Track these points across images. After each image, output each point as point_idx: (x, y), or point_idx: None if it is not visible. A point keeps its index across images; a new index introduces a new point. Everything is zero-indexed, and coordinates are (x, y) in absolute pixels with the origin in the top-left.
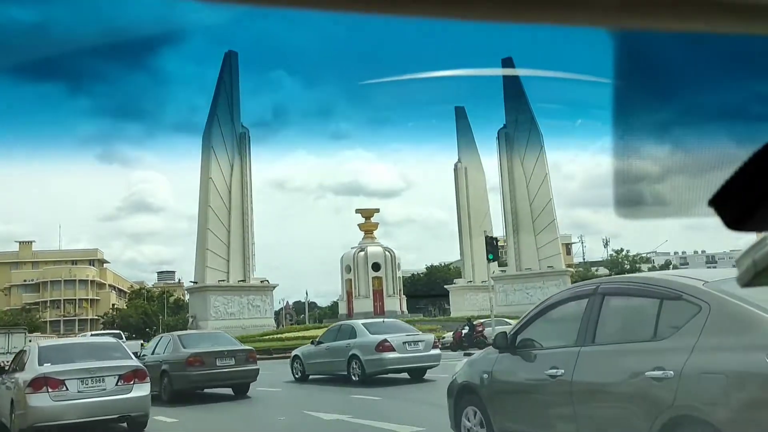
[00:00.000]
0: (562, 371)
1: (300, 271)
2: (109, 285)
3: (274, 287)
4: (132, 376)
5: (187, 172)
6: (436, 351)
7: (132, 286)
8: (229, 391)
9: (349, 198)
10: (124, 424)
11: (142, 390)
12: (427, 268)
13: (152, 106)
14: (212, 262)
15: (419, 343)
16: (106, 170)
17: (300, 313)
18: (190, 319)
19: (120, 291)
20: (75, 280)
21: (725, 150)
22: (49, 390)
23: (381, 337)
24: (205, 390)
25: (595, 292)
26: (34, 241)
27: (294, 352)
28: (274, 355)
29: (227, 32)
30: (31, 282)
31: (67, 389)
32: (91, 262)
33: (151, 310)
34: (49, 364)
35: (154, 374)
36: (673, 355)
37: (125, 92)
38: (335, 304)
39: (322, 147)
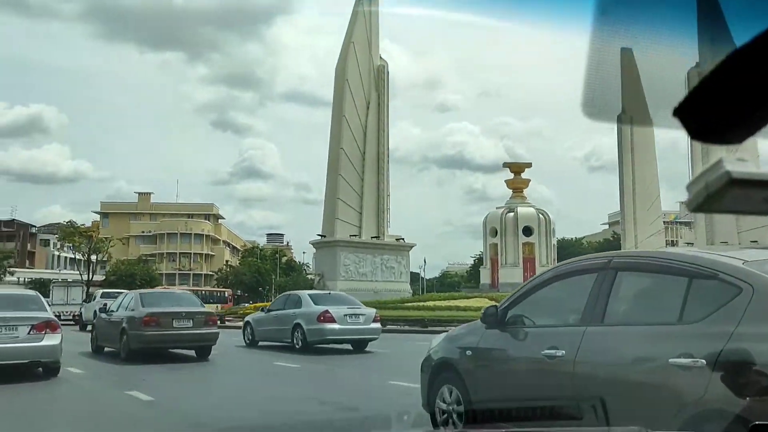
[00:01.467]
0: (563, 352)
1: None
2: (223, 241)
3: (411, 247)
4: (44, 326)
5: (295, 140)
6: (377, 325)
7: (245, 245)
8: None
9: (452, 171)
10: (40, 369)
11: (52, 339)
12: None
13: (265, 75)
14: (343, 214)
15: (360, 316)
16: (221, 137)
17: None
18: (317, 278)
19: (233, 248)
20: (191, 234)
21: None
22: None
23: (323, 308)
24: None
25: (606, 266)
26: (152, 193)
27: (246, 318)
28: (430, 327)
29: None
30: (148, 233)
31: None
32: (207, 217)
33: (264, 269)
34: None
35: (115, 331)
36: (706, 341)
37: (240, 61)
38: (470, 273)
39: (428, 119)
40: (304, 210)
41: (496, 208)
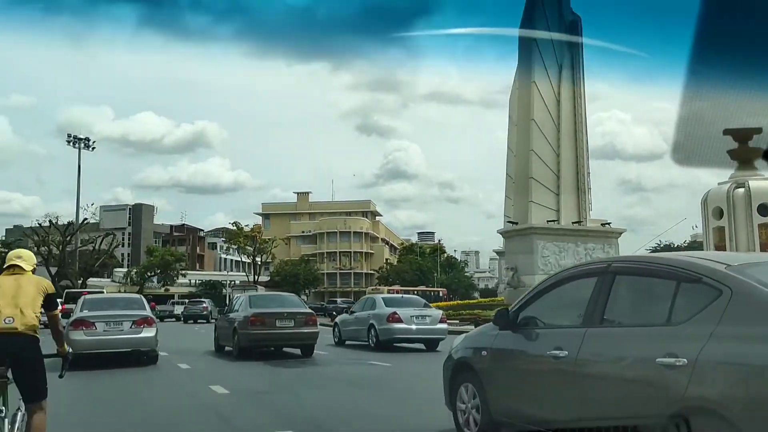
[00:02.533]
0: (566, 352)
1: None
2: (381, 239)
3: (620, 233)
4: (142, 321)
5: (438, 140)
6: (443, 325)
7: (402, 243)
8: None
9: (603, 162)
10: (144, 357)
11: (149, 332)
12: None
13: (406, 77)
14: (538, 196)
15: (427, 317)
16: (365, 141)
17: None
18: (510, 273)
19: (390, 246)
20: (350, 232)
21: None
22: (84, 329)
23: (392, 309)
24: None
25: (606, 270)
26: (310, 192)
27: (335, 320)
28: None
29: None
30: (308, 233)
31: (96, 329)
32: (364, 215)
33: (426, 266)
34: (87, 311)
35: (229, 331)
36: (688, 341)
37: (382, 66)
38: None
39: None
40: (449, 208)
41: (718, 183)
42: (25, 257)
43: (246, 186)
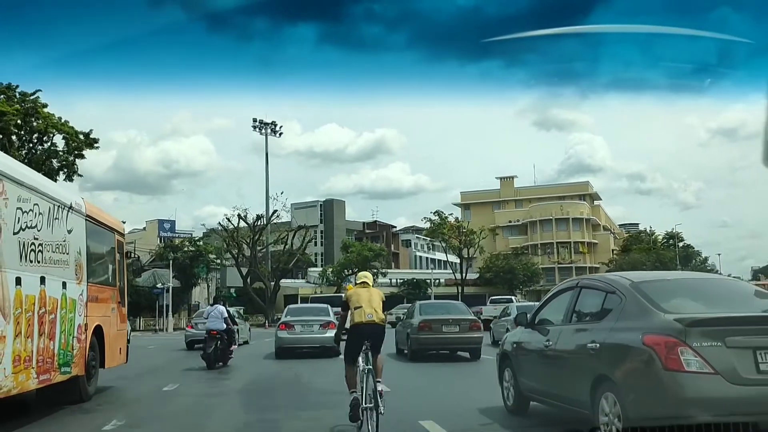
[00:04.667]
0: (551, 343)
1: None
2: (603, 227)
3: None
4: (326, 325)
5: (623, 130)
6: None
7: (622, 232)
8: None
9: None
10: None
11: (330, 333)
12: None
13: (584, 67)
14: None
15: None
16: (545, 136)
17: None
18: None
19: (613, 235)
20: (567, 219)
21: None
22: (287, 329)
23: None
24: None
25: (577, 285)
26: (515, 177)
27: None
28: None
29: None
30: (516, 223)
31: (295, 329)
32: (581, 198)
33: (667, 257)
34: (290, 317)
35: (404, 335)
36: (601, 332)
37: (557, 58)
38: None
39: None
40: (640, 200)
41: None
42: (369, 278)
43: (426, 189)
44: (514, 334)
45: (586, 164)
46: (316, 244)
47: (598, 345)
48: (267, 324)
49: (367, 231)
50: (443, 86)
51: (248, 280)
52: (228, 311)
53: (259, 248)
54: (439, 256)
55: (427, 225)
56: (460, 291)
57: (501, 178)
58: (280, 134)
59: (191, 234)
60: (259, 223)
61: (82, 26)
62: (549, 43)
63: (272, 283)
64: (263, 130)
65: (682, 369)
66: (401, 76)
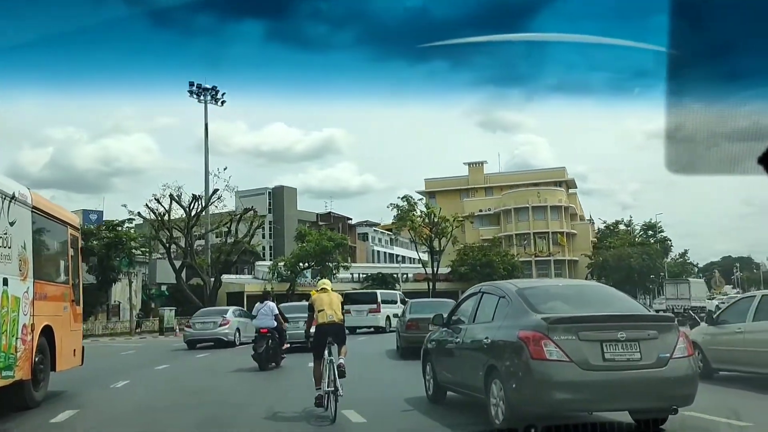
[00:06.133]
0: (459, 340)
1: None
2: (580, 216)
3: None
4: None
5: (566, 133)
6: None
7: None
8: None
9: (712, 148)
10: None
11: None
12: None
13: (529, 70)
14: None
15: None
16: (490, 137)
17: None
18: None
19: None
20: (545, 207)
21: None
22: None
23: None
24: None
25: (479, 290)
26: (485, 162)
27: None
28: None
29: None
30: (488, 212)
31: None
32: (558, 185)
33: (655, 250)
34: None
35: (397, 334)
36: (492, 330)
37: (503, 61)
38: None
39: (718, 92)
40: (583, 200)
41: None
42: (328, 284)
43: (373, 189)
44: (433, 333)
45: (529, 165)
46: (264, 236)
47: (489, 340)
48: None
49: (321, 223)
50: (391, 86)
51: (183, 275)
52: (278, 308)
53: (196, 236)
54: (398, 251)
55: (394, 212)
56: (431, 287)
57: (469, 164)
58: (223, 102)
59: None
60: (196, 206)
61: (17, 20)
62: (495, 45)
63: (212, 279)
64: (202, 97)
65: (545, 358)
66: (349, 75)
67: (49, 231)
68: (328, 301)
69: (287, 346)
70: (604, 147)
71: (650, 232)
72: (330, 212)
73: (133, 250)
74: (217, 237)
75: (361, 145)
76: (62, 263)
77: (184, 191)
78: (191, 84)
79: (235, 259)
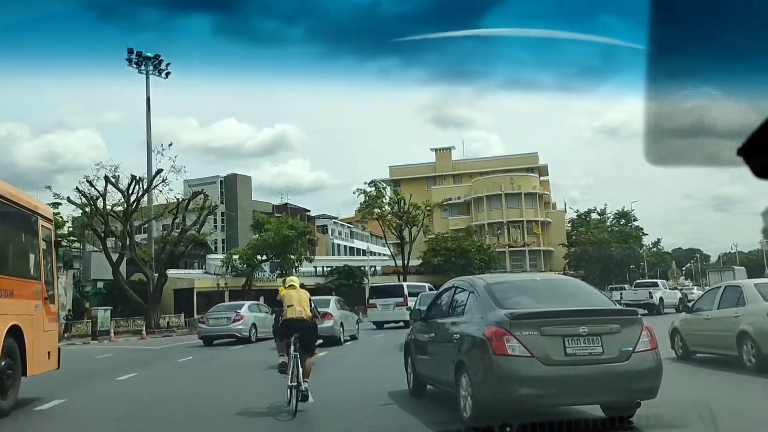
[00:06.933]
0: (434, 334)
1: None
2: (554, 204)
3: None
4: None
5: (516, 129)
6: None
7: (578, 211)
8: None
9: (691, 140)
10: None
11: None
12: None
13: (481, 67)
14: None
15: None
16: (442, 134)
17: None
18: None
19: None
20: (519, 194)
21: (757, 99)
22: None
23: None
24: None
25: (453, 285)
26: (453, 148)
27: None
28: None
29: None
30: (458, 200)
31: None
32: (530, 171)
33: (633, 238)
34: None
35: None
36: (462, 325)
37: (455, 57)
38: None
39: (660, 88)
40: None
41: None
42: (296, 281)
43: (327, 185)
44: (414, 328)
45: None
46: (217, 228)
47: (458, 336)
48: (145, 331)
49: (278, 215)
50: (343, 82)
51: (123, 270)
52: (311, 301)
53: (137, 225)
54: (359, 244)
55: (361, 198)
56: (401, 280)
57: (436, 150)
58: (167, 74)
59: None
60: (137, 190)
61: None
62: (446, 42)
63: (156, 275)
64: (143, 67)
65: (507, 353)
66: (301, 70)
67: (14, 221)
68: (297, 297)
69: (320, 342)
70: (555, 142)
71: (623, 220)
72: (287, 203)
73: (60, 240)
74: (164, 229)
75: (313, 141)
76: (32, 257)
77: (122, 172)
78: (130, 52)
79: (183, 250)
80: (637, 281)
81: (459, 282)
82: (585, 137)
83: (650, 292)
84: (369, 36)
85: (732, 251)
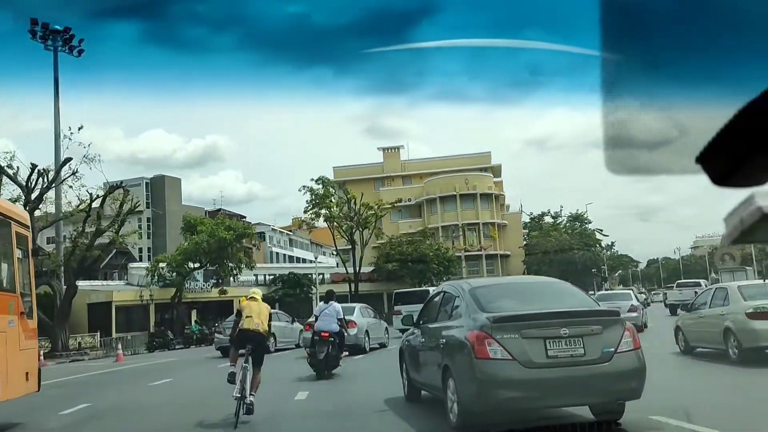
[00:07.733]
0: (424, 339)
1: None
2: (508, 206)
3: None
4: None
5: (447, 140)
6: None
7: (531, 214)
8: None
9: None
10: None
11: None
12: None
13: (412, 78)
14: None
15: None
16: (374, 144)
17: None
18: None
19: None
20: (474, 195)
21: (712, 108)
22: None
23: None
24: None
25: (441, 290)
26: (402, 147)
27: None
28: None
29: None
30: (409, 202)
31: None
32: (483, 172)
33: (596, 242)
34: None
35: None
36: (448, 329)
37: (387, 68)
38: None
39: (587, 101)
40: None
41: None
42: (258, 293)
43: (259, 197)
44: (407, 334)
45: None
46: (141, 237)
47: (444, 340)
48: (44, 357)
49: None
50: (276, 92)
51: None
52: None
53: (41, 226)
54: (298, 252)
55: (307, 196)
56: (352, 288)
57: (384, 149)
58: (80, 51)
59: None
60: (41, 183)
61: None
62: (379, 53)
63: (64, 288)
64: (50, 42)
65: (488, 357)
66: (233, 80)
67: None
68: (257, 310)
69: (346, 353)
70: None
71: (577, 223)
72: (220, 209)
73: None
74: (74, 231)
75: (245, 153)
76: (5, 267)
77: (20, 162)
78: (34, 23)
79: (98, 255)
80: (679, 281)
81: (447, 287)
82: (513, 149)
83: (695, 292)
84: (302, 46)
85: (655, 257)
